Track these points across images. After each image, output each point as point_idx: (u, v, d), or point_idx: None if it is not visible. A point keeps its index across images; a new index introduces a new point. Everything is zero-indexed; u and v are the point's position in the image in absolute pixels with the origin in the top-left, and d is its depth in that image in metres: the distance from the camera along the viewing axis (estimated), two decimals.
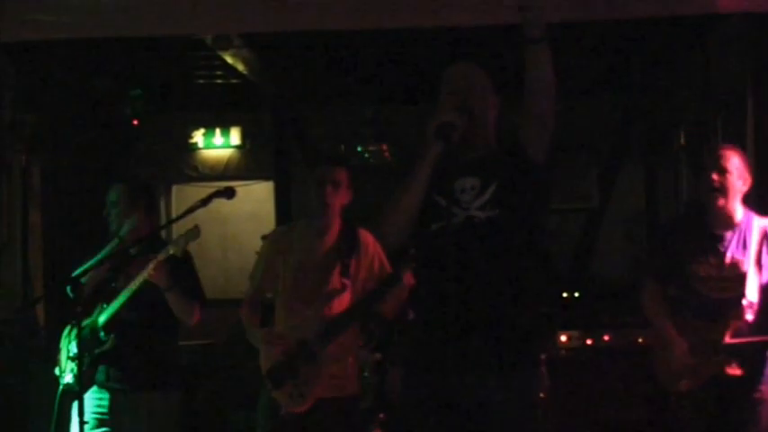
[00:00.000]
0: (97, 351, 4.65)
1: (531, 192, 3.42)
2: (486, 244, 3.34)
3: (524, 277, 3.42)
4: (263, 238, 5.27)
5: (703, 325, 4.33)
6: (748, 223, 4.36)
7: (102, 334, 4.66)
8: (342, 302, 4.54)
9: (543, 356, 5.88)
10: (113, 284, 4.70)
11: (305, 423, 4.45)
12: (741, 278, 4.30)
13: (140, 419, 4.73)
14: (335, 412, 4.47)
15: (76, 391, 4.30)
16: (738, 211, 4.37)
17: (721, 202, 4.31)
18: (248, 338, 4.66)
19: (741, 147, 5.77)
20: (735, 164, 4.34)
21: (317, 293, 4.54)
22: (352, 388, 4.60)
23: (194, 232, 4.63)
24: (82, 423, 4.00)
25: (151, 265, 4.54)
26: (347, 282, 4.56)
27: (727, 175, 4.31)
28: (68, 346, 4.71)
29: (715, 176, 4.30)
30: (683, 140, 7.13)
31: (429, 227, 3.42)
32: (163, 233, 5.39)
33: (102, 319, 4.66)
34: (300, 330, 4.49)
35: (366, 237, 4.69)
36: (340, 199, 4.61)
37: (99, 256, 4.68)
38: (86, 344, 4.60)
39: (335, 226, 4.65)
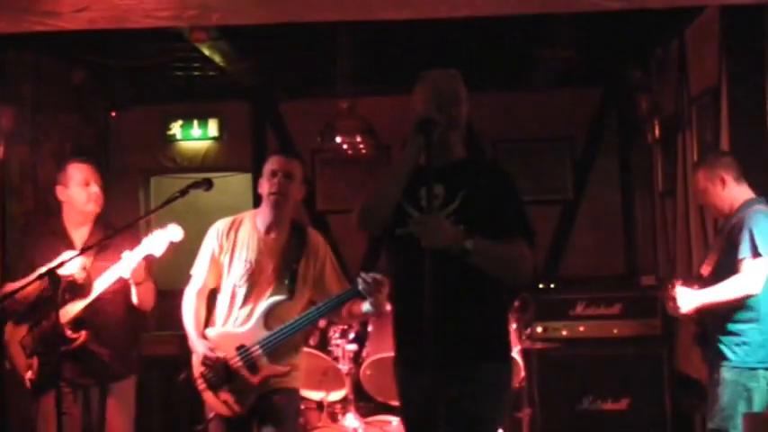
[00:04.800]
0: (63, 347, 4.54)
1: (498, 213, 3.48)
2: (448, 259, 3.34)
3: (487, 282, 3.48)
4: None
5: None
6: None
7: (69, 329, 4.60)
8: (288, 309, 4.41)
9: (518, 348, 5.93)
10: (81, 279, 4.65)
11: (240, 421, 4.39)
12: None
13: (105, 408, 4.80)
14: (272, 406, 4.38)
15: (41, 388, 4.39)
16: None
17: None
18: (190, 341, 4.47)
19: (715, 140, 5.88)
20: None
21: (260, 297, 4.38)
22: (292, 382, 4.47)
23: (175, 232, 4.57)
24: (60, 415, 4.02)
25: (134, 267, 4.53)
26: (293, 288, 4.39)
27: None
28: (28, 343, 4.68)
29: None
30: (657, 133, 7.18)
31: (393, 231, 3.49)
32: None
33: (71, 313, 4.61)
34: (241, 336, 4.36)
35: (316, 238, 4.54)
36: (293, 192, 4.43)
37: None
38: (51, 339, 4.48)
39: (285, 224, 4.47)
